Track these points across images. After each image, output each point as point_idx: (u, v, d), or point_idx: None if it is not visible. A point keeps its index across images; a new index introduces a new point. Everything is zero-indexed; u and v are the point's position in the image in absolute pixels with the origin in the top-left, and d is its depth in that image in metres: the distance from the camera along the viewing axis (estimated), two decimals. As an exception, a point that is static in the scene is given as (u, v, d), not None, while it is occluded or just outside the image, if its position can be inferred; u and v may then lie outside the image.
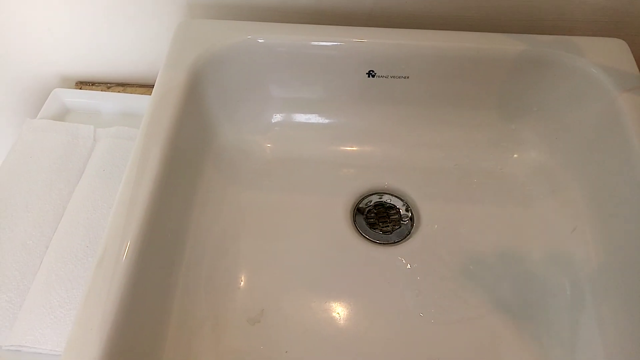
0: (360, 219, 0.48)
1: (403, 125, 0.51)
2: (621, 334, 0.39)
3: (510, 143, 0.51)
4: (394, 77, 0.48)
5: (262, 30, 0.46)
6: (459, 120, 0.51)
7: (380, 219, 0.49)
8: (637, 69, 0.45)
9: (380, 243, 0.46)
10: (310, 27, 0.46)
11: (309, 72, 0.48)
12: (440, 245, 0.46)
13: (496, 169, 0.51)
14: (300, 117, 0.51)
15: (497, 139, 0.51)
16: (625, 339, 0.39)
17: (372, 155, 0.51)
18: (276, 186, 0.49)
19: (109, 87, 0.60)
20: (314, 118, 0.51)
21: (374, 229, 0.48)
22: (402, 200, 0.49)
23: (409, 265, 0.45)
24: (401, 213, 0.49)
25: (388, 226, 0.48)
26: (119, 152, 0.51)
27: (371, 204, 0.49)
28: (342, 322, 0.42)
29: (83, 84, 0.60)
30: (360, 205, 0.49)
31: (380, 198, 0.49)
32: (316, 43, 0.46)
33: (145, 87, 0.59)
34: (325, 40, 0.46)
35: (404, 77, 0.48)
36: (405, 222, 0.48)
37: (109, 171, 0.50)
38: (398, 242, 0.47)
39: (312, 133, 0.51)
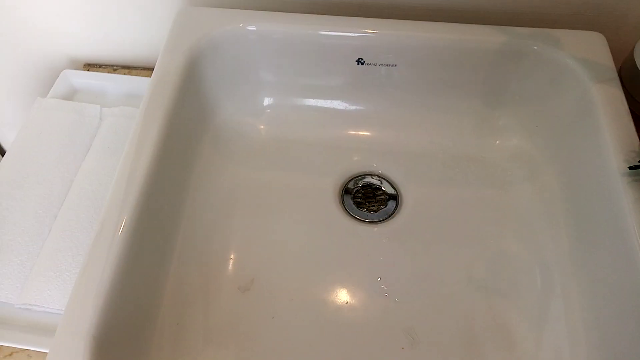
0: (348, 198, 0.52)
1: (391, 111, 0.54)
2: (584, 310, 0.43)
3: (492, 130, 0.54)
4: (382, 64, 0.51)
5: (255, 19, 0.49)
6: (444, 107, 0.54)
7: (367, 199, 0.52)
8: (612, 62, 0.48)
9: (365, 221, 0.50)
10: (302, 16, 0.49)
11: (301, 58, 0.51)
12: (421, 224, 0.50)
13: (479, 154, 0.54)
14: (293, 101, 0.55)
15: (480, 126, 0.54)
16: (588, 314, 0.42)
17: (360, 139, 0.54)
18: (269, 165, 0.53)
19: (114, 70, 0.64)
20: (305, 102, 0.55)
21: (361, 208, 0.51)
22: (388, 181, 0.53)
23: (390, 241, 0.48)
24: (387, 194, 0.52)
25: (374, 206, 0.52)
26: (123, 131, 0.55)
27: (359, 184, 0.53)
28: (325, 291, 0.46)
29: (91, 66, 0.64)
30: (348, 186, 0.53)
31: (367, 179, 0.53)
32: (308, 31, 0.49)
33: (149, 70, 0.63)
34: (317, 29, 0.49)
35: (392, 65, 0.52)
36: (390, 203, 0.52)
37: (113, 148, 0.54)
38: (382, 220, 0.50)
39: (303, 116, 0.54)
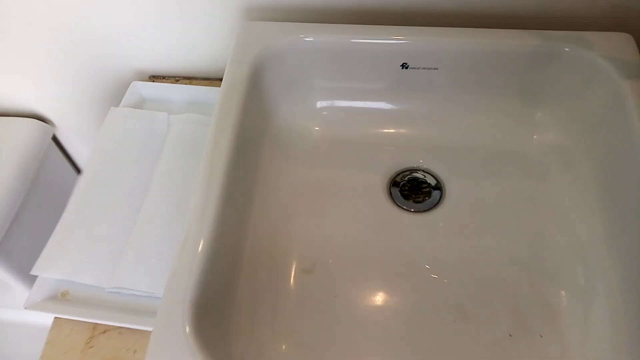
0: (396, 191, 0.58)
1: (433, 111, 0.60)
2: (621, 283, 0.47)
3: (529, 126, 0.59)
4: (424, 68, 0.57)
5: (311, 30, 0.55)
6: (484, 106, 0.59)
7: (413, 191, 0.58)
8: (640, 59, 0.52)
9: (412, 211, 0.56)
10: (352, 27, 0.56)
11: (351, 65, 0.57)
12: (464, 213, 0.55)
13: (517, 148, 0.59)
14: (343, 104, 0.61)
15: (517, 123, 0.59)
16: (625, 286, 0.47)
17: (406, 137, 0.60)
18: (324, 163, 0.59)
19: (177, 80, 0.71)
20: (355, 104, 0.61)
21: (407, 199, 0.57)
22: (432, 175, 0.58)
23: (436, 227, 0.54)
24: (432, 186, 0.58)
25: (420, 197, 0.57)
26: (190, 135, 0.62)
27: (405, 178, 0.59)
28: (380, 272, 0.51)
29: (155, 78, 0.72)
30: (395, 179, 0.58)
31: (413, 173, 0.59)
32: (356, 40, 0.55)
33: (209, 80, 0.70)
34: (365, 37, 0.55)
35: (434, 69, 0.57)
36: (434, 194, 0.57)
37: (183, 150, 0.61)
38: (428, 210, 0.56)
39: (353, 117, 0.60)
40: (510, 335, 0.48)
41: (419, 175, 0.59)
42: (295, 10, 0.60)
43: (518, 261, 0.51)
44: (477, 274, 0.51)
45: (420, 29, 0.55)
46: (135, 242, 0.54)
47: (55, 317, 0.53)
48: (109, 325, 0.52)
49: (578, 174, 0.56)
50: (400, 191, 0.58)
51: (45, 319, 0.59)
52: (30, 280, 0.81)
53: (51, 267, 0.53)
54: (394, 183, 0.58)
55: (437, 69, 0.57)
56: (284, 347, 0.47)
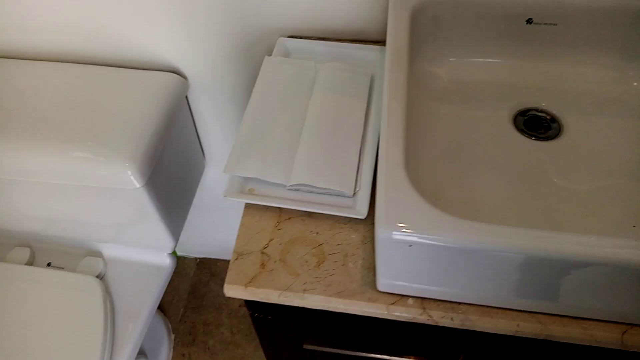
0: (520, 122, 0.69)
1: (553, 61, 0.72)
2: None
3: (631, 76, 0.71)
4: (546, 24, 0.70)
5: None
6: (592, 58, 0.72)
7: (535, 125, 0.69)
8: None
9: (535, 139, 0.67)
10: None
11: (483, 19, 0.70)
12: (581, 141, 0.66)
13: (621, 93, 0.71)
14: (473, 53, 0.73)
15: (620, 74, 0.71)
16: None
17: (527, 81, 0.72)
18: (455, 101, 0.71)
19: (314, 39, 0.83)
20: (483, 53, 0.73)
21: (531, 130, 0.69)
22: (550, 113, 0.70)
23: (558, 152, 0.65)
24: (550, 121, 0.69)
25: (541, 130, 0.69)
26: (337, 78, 0.74)
27: (527, 114, 0.70)
28: (509, 186, 0.62)
29: (295, 37, 0.84)
30: (519, 115, 0.70)
31: (534, 112, 0.70)
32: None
33: (341, 41, 0.82)
34: (501, -5, 0.68)
35: (554, 24, 0.70)
36: (554, 127, 0.69)
37: (330, 88, 0.72)
38: (549, 139, 0.67)
39: (481, 65, 0.73)
40: (634, 227, 0.58)
41: (539, 113, 0.70)
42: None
43: (633, 174, 0.63)
44: (599, 185, 0.62)
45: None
46: (304, 149, 0.65)
47: (246, 207, 0.64)
48: (292, 213, 0.63)
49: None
50: (524, 123, 0.69)
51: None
52: (169, 214, 0.93)
53: (240, 168, 0.65)
54: (517, 116, 0.70)
55: (556, 24, 0.70)
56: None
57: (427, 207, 0.49)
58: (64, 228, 1.03)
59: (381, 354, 0.65)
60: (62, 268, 1.06)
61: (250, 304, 0.64)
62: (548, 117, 0.70)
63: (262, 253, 0.60)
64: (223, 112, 1.02)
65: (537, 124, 0.69)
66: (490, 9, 0.69)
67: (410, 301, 0.55)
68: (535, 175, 0.63)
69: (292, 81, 0.75)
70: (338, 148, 0.66)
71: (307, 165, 0.64)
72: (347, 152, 0.65)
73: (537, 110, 0.71)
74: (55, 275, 1.02)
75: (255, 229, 0.62)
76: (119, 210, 0.92)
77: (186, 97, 0.98)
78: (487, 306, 0.55)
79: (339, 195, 0.63)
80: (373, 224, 0.58)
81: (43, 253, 1.11)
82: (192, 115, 1.04)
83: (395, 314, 0.55)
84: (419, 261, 0.51)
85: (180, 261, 1.57)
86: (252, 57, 0.89)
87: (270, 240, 0.61)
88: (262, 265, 0.59)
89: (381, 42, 0.81)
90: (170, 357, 1.39)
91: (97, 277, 1.03)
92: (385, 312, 0.55)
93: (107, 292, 1.02)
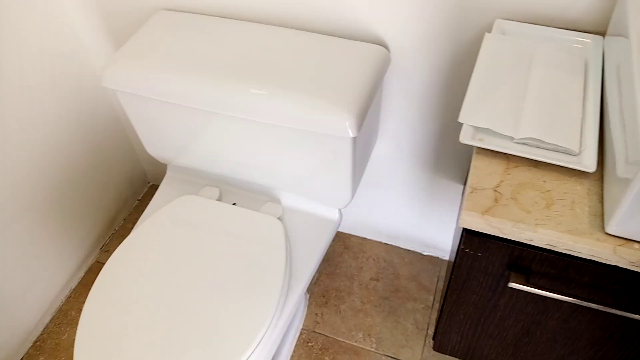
0: None
1: None
2: None
3: None
4: None
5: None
6: None
7: None
8: None
9: None
10: None
11: None
12: None
13: None
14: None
15: None
16: None
17: None
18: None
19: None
20: None
21: None
22: None
23: None
24: None
25: None
26: (555, 56, 0.82)
27: None
28: None
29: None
30: None
31: None
32: None
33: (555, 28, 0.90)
34: None
35: None
36: None
37: (549, 63, 0.81)
38: None
39: None
40: None
41: None
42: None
43: None
44: None
45: None
46: (531, 108, 0.74)
47: (477, 152, 0.73)
48: (519, 162, 0.72)
49: None
50: None
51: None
52: (356, 172, 1.04)
53: (474, 118, 0.74)
54: None
55: None
56: None
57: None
58: (251, 174, 1.17)
59: (583, 300, 0.72)
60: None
61: (466, 239, 0.73)
62: None
63: (495, 190, 0.69)
64: (413, 90, 1.13)
65: None
66: None
67: (637, 246, 0.62)
68: None
69: (512, 55, 0.84)
70: (561, 112, 0.74)
71: (535, 122, 0.72)
72: (570, 116, 0.73)
73: None
74: (243, 213, 1.17)
75: (486, 171, 0.71)
76: (317, 159, 1.04)
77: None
78: None
79: (563, 152, 0.71)
80: (598, 179, 0.66)
81: (229, 194, 1.27)
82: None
83: (622, 255, 0.62)
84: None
85: (318, 230, 1.69)
86: (459, 37, 0.99)
87: (501, 181, 0.70)
88: (496, 200, 0.68)
89: (595, 32, 0.88)
90: (305, 313, 1.51)
91: (277, 219, 1.17)
92: (612, 253, 0.63)
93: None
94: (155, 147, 1.22)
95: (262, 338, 0.98)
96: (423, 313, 1.49)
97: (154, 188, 1.85)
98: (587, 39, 0.87)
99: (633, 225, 0.61)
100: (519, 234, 0.66)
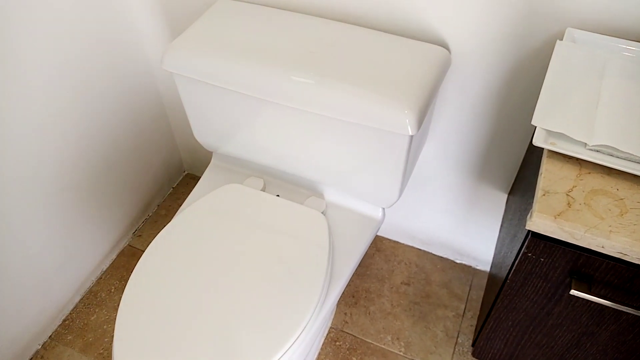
0: None
1: None
2: None
3: None
4: None
5: None
6: None
7: None
8: None
9: None
10: None
11: None
12: None
13: None
14: None
15: None
16: None
17: None
18: None
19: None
20: None
21: None
22: None
23: None
24: None
25: None
26: (629, 67, 0.82)
27: None
28: None
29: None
30: None
31: None
32: None
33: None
34: None
35: None
36: None
37: (623, 75, 0.81)
38: None
39: None
40: None
41: None
42: None
43: None
44: None
45: None
46: (606, 115, 0.74)
47: (548, 156, 0.73)
48: (591, 169, 0.72)
49: None
50: None
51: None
52: (407, 171, 1.04)
53: (547, 122, 0.74)
54: None
55: None
56: None
57: None
58: (298, 167, 1.18)
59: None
60: (290, 202, 1.22)
61: (531, 242, 0.73)
62: None
63: (567, 195, 0.69)
64: (469, 94, 1.13)
65: None
66: None
67: None
68: None
69: (584, 63, 0.85)
70: (635, 122, 0.74)
71: (610, 130, 0.73)
72: (646, 128, 0.73)
73: None
74: (287, 205, 1.17)
75: (558, 175, 0.71)
76: (369, 155, 1.05)
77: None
78: None
79: (638, 162, 0.71)
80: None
81: (272, 186, 1.28)
82: (436, 90, 1.16)
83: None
84: None
85: (351, 231, 1.70)
86: (525, 44, 0.99)
87: (574, 186, 0.70)
88: (568, 205, 0.68)
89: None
90: (334, 312, 1.51)
91: (321, 214, 1.18)
92: (688, 266, 0.62)
93: (329, 230, 1.16)
94: (205, 133, 1.24)
95: (302, 330, 0.98)
96: (454, 321, 1.49)
97: (189, 177, 1.87)
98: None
99: None
100: (590, 240, 0.66)
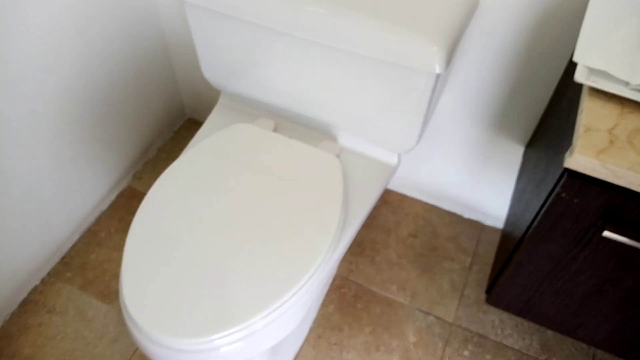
0: None
1: None
2: None
3: None
4: None
5: None
6: None
7: None
8: None
9: None
10: None
11: None
12: None
13: None
14: None
15: None
16: None
17: None
18: None
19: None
20: None
21: None
22: None
23: None
24: None
25: None
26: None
27: None
28: None
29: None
30: None
31: None
32: None
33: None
34: None
35: None
36: None
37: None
38: None
39: None
40: None
41: None
42: None
43: None
44: None
45: None
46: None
47: (589, 94, 0.71)
48: (634, 108, 0.70)
49: None
50: None
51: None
52: (428, 115, 1.01)
53: (590, 59, 0.72)
54: None
55: None
56: None
57: None
58: (312, 108, 1.15)
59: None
60: (303, 144, 1.19)
61: (566, 182, 0.71)
62: None
63: (610, 132, 0.67)
64: (494, 40, 1.10)
65: None
66: None
67: None
68: None
69: (624, 4, 0.81)
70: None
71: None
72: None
73: None
74: (300, 147, 1.15)
75: (600, 113, 0.69)
76: (390, 96, 1.02)
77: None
78: None
79: (683, 103, 0.69)
80: None
81: (284, 128, 1.25)
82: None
83: None
84: None
85: (358, 181, 1.68)
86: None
87: (616, 125, 0.68)
88: (611, 142, 0.66)
89: None
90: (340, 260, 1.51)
91: (336, 157, 1.15)
92: None
93: (343, 174, 1.13)
94: (213, 69, 1.20)
95: (317, 267, 0.97)
96: (459, 274, 1.50)
97: (191, 121, 1.83)
98: None
99: None
100: (633, 178, 0.64)
